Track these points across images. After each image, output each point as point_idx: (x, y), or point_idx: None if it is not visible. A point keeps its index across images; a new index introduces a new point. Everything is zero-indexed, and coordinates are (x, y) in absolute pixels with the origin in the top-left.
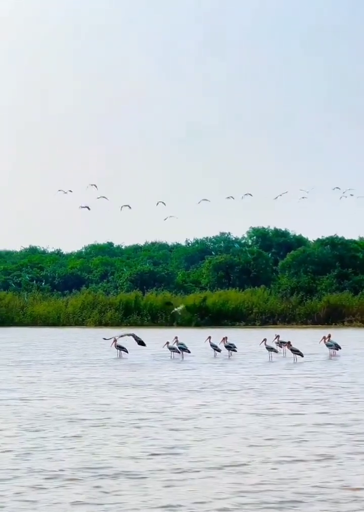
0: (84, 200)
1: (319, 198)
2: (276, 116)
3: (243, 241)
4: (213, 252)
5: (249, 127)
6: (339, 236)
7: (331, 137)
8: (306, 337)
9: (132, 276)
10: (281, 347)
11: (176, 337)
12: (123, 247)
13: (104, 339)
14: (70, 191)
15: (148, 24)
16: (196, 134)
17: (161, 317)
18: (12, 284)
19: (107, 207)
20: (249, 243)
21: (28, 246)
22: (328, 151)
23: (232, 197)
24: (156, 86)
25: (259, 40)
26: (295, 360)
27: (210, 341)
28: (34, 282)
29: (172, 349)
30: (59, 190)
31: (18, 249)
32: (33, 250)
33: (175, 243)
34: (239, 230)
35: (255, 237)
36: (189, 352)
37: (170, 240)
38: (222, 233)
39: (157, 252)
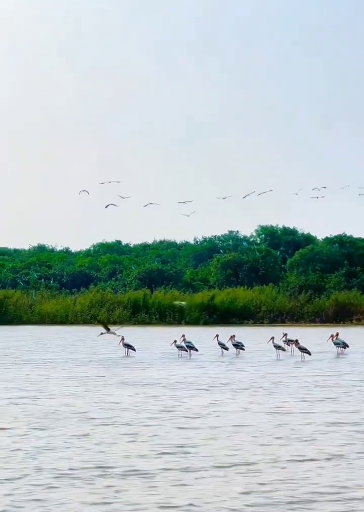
0: (95, 199)
1: (328, 196)
2: (279, 114)
3: (251, 239)
4: (221, 250)
5: (252, 125)
6: (348, 234)
7: (338, 135)
8: (314, 335)
9: (140, 275)
10: (289, 346)
11: (183, 335)
12: (131, 245)
13: (101, 333)
14: (87, 192)
15: (147, 23)
16: (199, 132)
17: (169, 315)
18: (21, 282)
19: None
20: (258, 241)
21: (36, 244)
22: (334, 150)
23: (249, 194)
24: (157, 86)
25: (257, 39)
26: (303, 359)
27: (217, 340)
28: (42, 280)
29: (179, 347)
30: (82, 191)
31: (26, 247)
32: (41, 248)
33: (183, 241)
34: (247, 229)
35: (263, 235)
36: (196, 350)
37: (179, 238)
38: (231, 232)
39: (165, 250)
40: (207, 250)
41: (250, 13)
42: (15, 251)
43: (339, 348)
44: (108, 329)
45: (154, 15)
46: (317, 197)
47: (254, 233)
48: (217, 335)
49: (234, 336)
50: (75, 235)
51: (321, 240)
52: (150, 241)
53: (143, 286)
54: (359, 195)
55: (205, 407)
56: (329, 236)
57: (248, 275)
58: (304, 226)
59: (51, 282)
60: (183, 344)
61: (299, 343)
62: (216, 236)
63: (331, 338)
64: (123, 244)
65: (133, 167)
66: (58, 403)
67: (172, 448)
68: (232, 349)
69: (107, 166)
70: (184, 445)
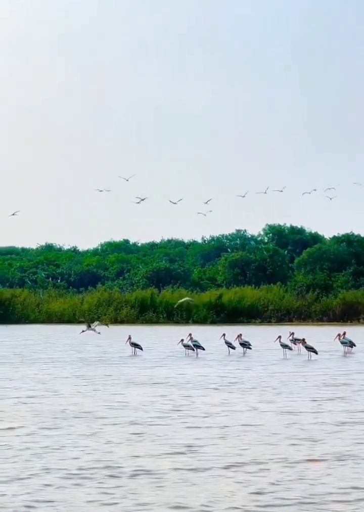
0: (102, 198)
1: (335, 195)
2: (288, 112)
3: (259, 238)
4: (229, 249)
5: (262, 122)
6: (355, 233)
7: (346, 134)
8: (322, 335)
9: (148, 274)
10: (296, 345)
11: (190, 334)
12: (139, 244)
13: (83, 331)
14: (107, 190)
15: (139, 14)
16: (206, 131)
17: (176, 314)
18: (28, 281)
19: (124, 205)
20: (266, 240)
21: (44, 243)
22: (341, 148)
23: (263, 192)
24: (165, 82)
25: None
26: (309, 358)
27: (224, 338)
28: (50, 279)
29: (186, 346)
30: (98, 189)
31: (34, 247)
32: (49, 248)
33: (191, 240)
34: (255, 228)
35: (271, 234)
36: (203, 349)
37: (186, 237)
38: (238, 231)
39: (173, 249)
40: (214, 249)
41: (249, 12)
42: (23, 250)
43: (346, 347)
44: (89, 326)
45: (153, 14)
46: (330, 198)
47: (262, 233)
48: (224, 334)
49: (241, 335)
50: (83, 234)
51: (329, 239)
52: (158, 240)
53: (151, 285)
54: None
55: (213, 406)
56: (336, 235)
57: (256, 274)
58: (311, 226)
59: (59, 281)
60: (190, 343)
61: (305, 342)
62: (223, 235)
63: (338, 337)
64: (130, 243)
65: (140, 166)
66: (66, 403)
67: (181, 448)
68: (239, 348)
69: (113, 165)
70: (193, 445)
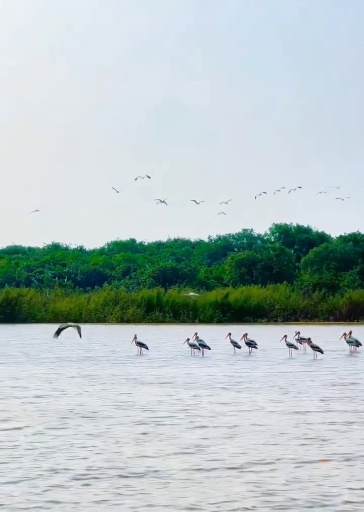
0: (108, 197)
1: (342, 194)
2: (294, 111)
3: (266, 238)
4: (235, 249)
5: (266, 123)
6: (362, 232)
7: (351, 133)
8: (328, 334)
9: (154, 273)
10: (302, 344)
11: (196, 333)
12: (145, 244)
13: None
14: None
15: (138, 13)
16: (212, 130)
17: (182, 313)
18: (35, 281)
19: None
20: (272, 240)
21: (50, 243)
22: (349, 147)
23: (280, 190)
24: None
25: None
26: (315, 357)
27: (230, 338)
28: (57, 278)
29: (192, 346)
30: (113, 188)
31: (41, 246)
32: (55, 247)
33: (197, 240)
34: (261, 227)
35: (277, 234)
36: (209, 349)
37: (193, 237)
38: (245, 230)
39: (180, 248)
40: (221, 248)
41: (249, 11)
42: (30, 249)
43: (353, 346)
44: (58, 334)
45: (153, 14)
46: (343, 199)
47: (268, 232)
48: (230, 333)
49: (246, 334)
50: (89, 233)
51: (335, 238)
52: (164, 239)
53: (157, 284)
54: None
55: (220, 406)
56: (343, 234)
57: (263, 274)
58: (318, 225)
59: (65, 280)
60: (195, 342)
61: (311, 342)
62: (230, 234)
63: (344, 336)
64: (137, 242)
65: (142, 166)
66: (73, 402)
67: (189, 447)
68: (245, 348)
69: (119, 165)
70: (201, 445)
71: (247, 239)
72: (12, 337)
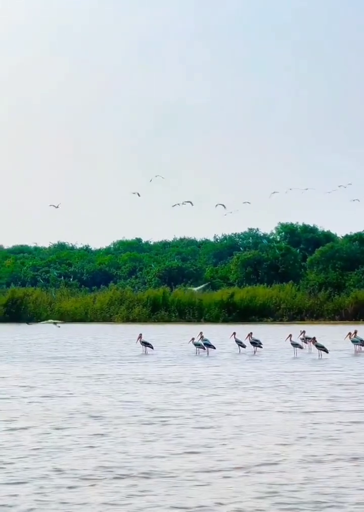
0: (114, 197)
1: (347, 193)
2: (300, 112)
3: (271, 237)
4: (241, 248)
5: (266, 123)
6: None
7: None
8: (334, 333)
9: (160, 272)
10: (307, 343)
11: (201, 333)
12: (151, 243)
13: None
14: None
15: (140, 11)
16: (219, 129)
17: (188, 313)
18: (41, 280)
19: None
20: (278, 239)
21: (56, 242)
22: (350, 146)
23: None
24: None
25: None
26: (320, 356)
27: (234, 337)
28: (62, 278)
29: (197, 345)
30: (134, 193)
31: (47, 245)
32: (61, 246)
33: (203, 239)
34: (267, 226)
35: (283, 233)
36: (214, 348)
37: (199, 236)
38: (251, 229)
39: (185, 248)
40: (227, 247)
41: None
42: (36, 248)
43: (358, 346)
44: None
45: (155, 11)
46: (358, 200)
47: (274, 231)
48: (234, 333)
49: (251, 333)
50: (95, 233)
51: (341, 237)
52: (170, 239)
53: (163, 283)
54: None
55: (226, 406)
56: (349, 234)
57: (268, 273)
58: (324, 224)
59: (71, 279)
60: (200, 342)
61: (316, 341)
62: (236, 233)
63: (349, 335)
64: (143, 241)
65: (144, 166)
66: (79, 402)
67: (195, 447)
68: (250, 347)
69: (120, 165)
70: (207, 445)
71: (253, 238)
72: (18, 337)
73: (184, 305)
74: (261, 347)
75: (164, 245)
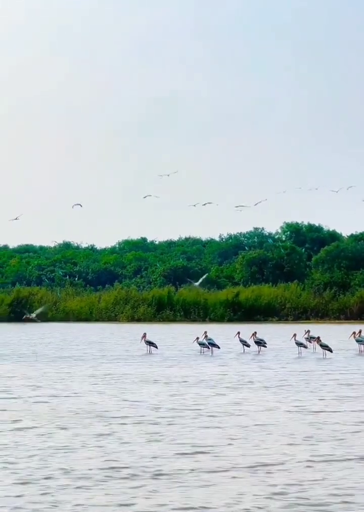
0: (117, 197)
1: (353, 193)
2: (300, 112)
3: (277, 236)
4: (246, 247)
5: (267, 122)
6: None
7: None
8: (339, 333)
9: (165, 272)
10: (311, 343)
11: (205, 332)
12: (156, 243)
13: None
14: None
15: (140, 10)
16: (215, 130)
17: (193, 312)
18: (46, 279)
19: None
20: (283, 238)
21: (61, 242)
22: (351, 145)
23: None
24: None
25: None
26: (324, 356)
27: (239, 337)
28: (67, 277)
29: (201, 344)
30: (147, 196)
31: (52, 245)
32: (66, 246)
33: (208, 238)
34: (272, 226)
35: (288, 232)
36: (218, 347)
37: (204, 235)
38: (256, 229)
39: (191, 247)
40: (232, 247)
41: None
42: (41, 248)
43: (362, 345)
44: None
45: (155, 9)
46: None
47: (279, 230)
48: (239, 332)
49: (256, 333)
50: (100, 232)
51: (347, 236)
52: (175, 238)
53: (168, 283)
54: None
55: (230, 405)
56: (354, 233)
57: (273, 273)
58: (329, 223)
59: (76, 279)
60: (205, 341)
61: (320, 341)
62: (241, 233)
63: (353, 335)
64: (148, 241)
65: (146, 165)
66: (84, 402)
67: (201, 447)
68: (254, 347)
69: (122, 165)
70: (212, 445)
71: (258, 238)
72: (23, 336)
73: (189, 304)
74: (265, 346)
75: (169, 244)
